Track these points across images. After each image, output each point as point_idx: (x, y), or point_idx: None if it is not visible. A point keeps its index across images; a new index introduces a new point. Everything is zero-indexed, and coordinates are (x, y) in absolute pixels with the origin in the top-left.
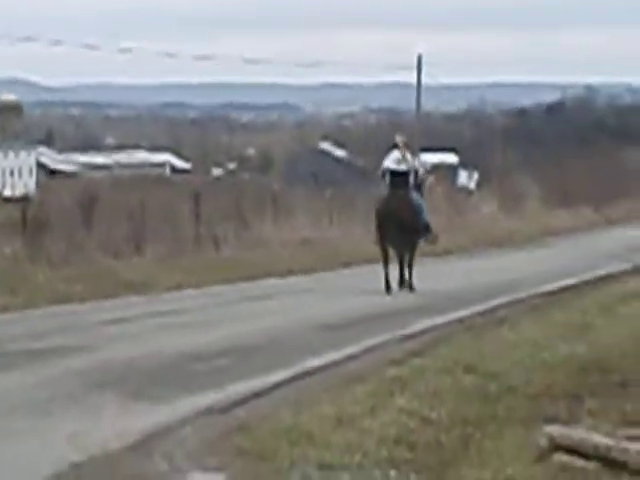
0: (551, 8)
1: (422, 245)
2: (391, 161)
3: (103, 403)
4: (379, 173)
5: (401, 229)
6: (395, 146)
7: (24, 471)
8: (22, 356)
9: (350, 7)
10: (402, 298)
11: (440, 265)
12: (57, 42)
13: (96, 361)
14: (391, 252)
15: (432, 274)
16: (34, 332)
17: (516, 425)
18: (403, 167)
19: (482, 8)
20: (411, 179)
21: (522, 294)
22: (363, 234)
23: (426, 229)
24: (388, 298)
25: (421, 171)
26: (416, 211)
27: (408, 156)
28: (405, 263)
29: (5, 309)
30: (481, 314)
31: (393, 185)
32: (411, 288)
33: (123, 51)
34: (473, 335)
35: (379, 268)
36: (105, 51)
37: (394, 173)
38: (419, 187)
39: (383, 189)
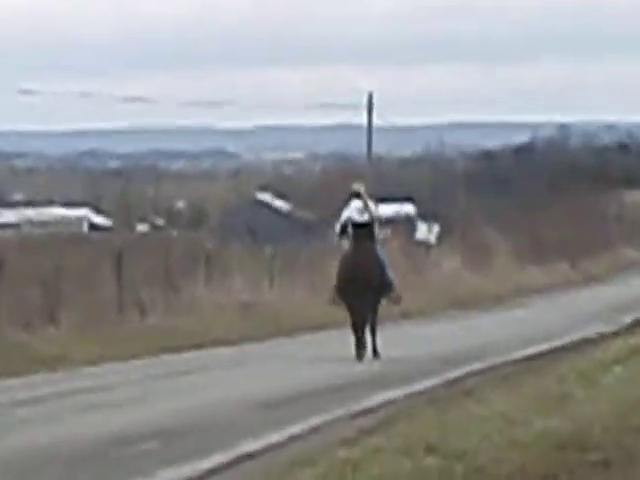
0: (513, 40)
1: (383, 306)
2: (353, 211)
3: None
4: (336, 227)
5: (367, 288)
6: (355, 195)
7: None
8: None
9: (276, 41)
10: (354, 368)
11: (397, 329)
12: None
13: (4, 449)
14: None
15: (389, 339)
16: None
17: None
18: (366, 218)
19: (435, 40)
20: (376, 230)
21: (491, 361)
22: (307, 296)
23: (390, 287)
24: (340, 369)
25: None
26: (382, 267)
27: (371, 205)
28: (367, 326)
29: None
30: (445, 385)
31: (357, 238)
32: (375, 354)
33: (28, 93)
34: (436, 409)
35: (326, 335)
36: (7, 93)
37: (357, 225)
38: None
39: (340, 244)
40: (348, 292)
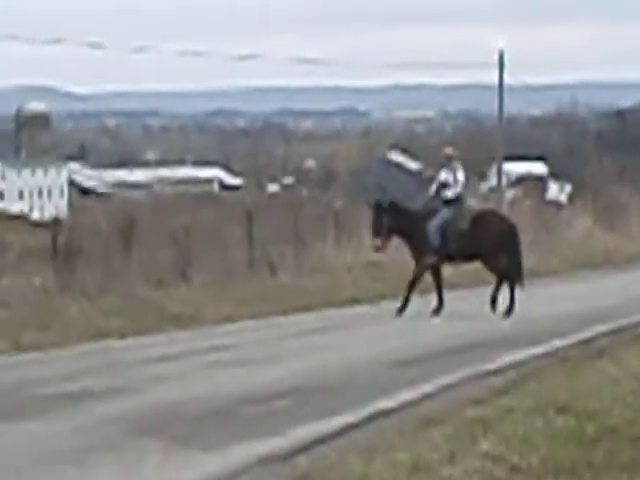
0: None
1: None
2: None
3: (145, 452)
4: (431, 189)
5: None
6: (447, 159)
7: None
8: (54, 400)
9: (417, 0)
10: (485, 328)
11: (527, 289)
12: (91, 45)
13: (137, 405)
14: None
15: (520, 299)
16: (67, 373)
17: (618, 472)
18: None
19: None
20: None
21: (624, 321)
22: None
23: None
24: (468, 327)
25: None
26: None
27: (459, 171)
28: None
29: (35, 347)
30: (576, 345)
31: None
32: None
33: (163, 53)
34: (567, 370)
35: (456, 295)
36: (144, 54)
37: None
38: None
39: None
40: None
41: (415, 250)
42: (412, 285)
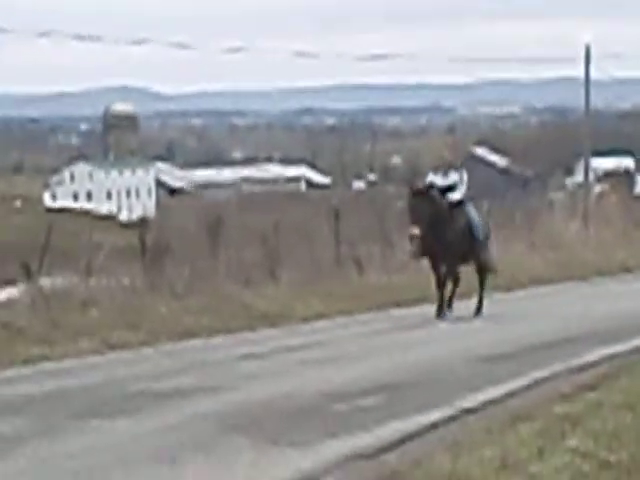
0: None
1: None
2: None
3: (236, 450)
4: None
5: None
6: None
7: None
8: (144, 398)
9: None
10: (573, 324)
11: (616, 284)
12: (177, 45)
13: (228, 403)
14: None
15: (606, 295)
16: (157, 371)
17: None
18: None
19: None
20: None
21: None
22: (526, 251)
23: None
24: (559, 324)
25: None
26: None
27: (452, 173)
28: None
29: (124, 346)
30: None
31: None
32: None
33: (238, 51)
34: None
35: (545, 289)
36: (231, 54)
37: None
38: None
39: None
40: None
41: (443, 244)
42: (445, 285)
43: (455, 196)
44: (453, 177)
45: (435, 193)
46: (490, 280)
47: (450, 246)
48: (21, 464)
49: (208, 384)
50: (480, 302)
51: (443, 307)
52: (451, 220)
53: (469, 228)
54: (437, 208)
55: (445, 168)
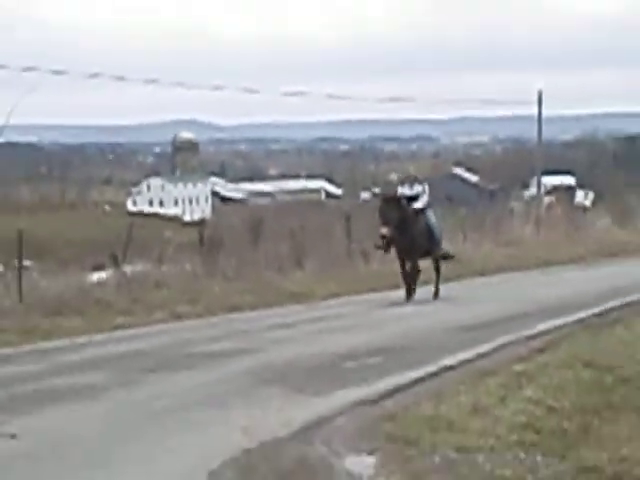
0: None
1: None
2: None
3: (270, 397)
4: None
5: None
6: (414, 177)
7: (203, 455)
8: (201, 357)
9: (471, 52)
10: (527, 302)
11: (561, 273)
12: (218, 87)
13: (263, 361)
14: None
15: (556, 282)
16: (211, 337)
17: (630, 412)
18: (413, 192)
19: (591, 49)
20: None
21: (635, 297)
22: (492, 247)
23: None
24: (518, 302)
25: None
26: None
27: (417, 184)
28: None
29: (187, 317)
30: (597, 315)
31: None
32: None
33: (283, 94)
34: (590, 334)
35: (506, 277)
36: (266, 94)
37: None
38: None
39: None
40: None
41: (408, 243)
42: (410, 276)
43: (418, 204)
44: (417, 188)
45: (403, 201)
46: (465, 268)
47: (414, 243)
48: (106, 407)
49: (248, 347)
50: (437, 287)
51: (410, 292)
52: (414, 223)
53: (429, 230)
54: (403, 213)
55: (411, 181)
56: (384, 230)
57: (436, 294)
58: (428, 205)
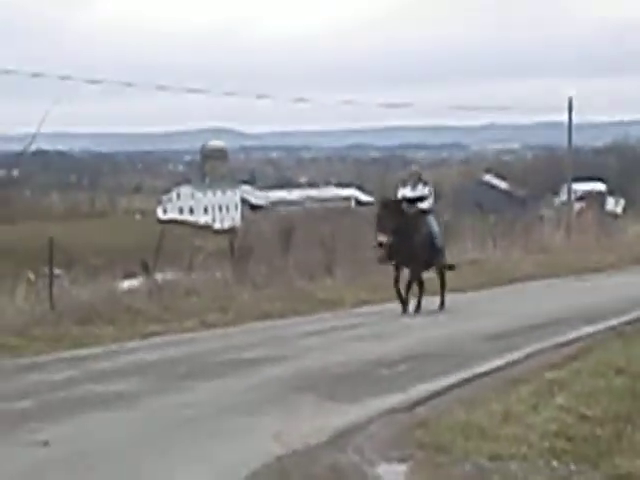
0: None
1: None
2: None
3: (302, 404)
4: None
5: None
6: (418, 176)
7: (235, 463)
8: (232, 364)
9: (504, 59)
10: (558, 309)
11: (592, 280)
12: (260, 96)
13: (295, 368)
14: None
15: (588, 288)
16: (242, 344)
17: None
18: (417, 194)
19: (622, 54)
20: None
21: None
22: (522, 255)
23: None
24: (551, 309)
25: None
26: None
27: (421, 185)
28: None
29: (217, 325)
30: (630, 323)
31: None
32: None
33: (302, 100)
34: (623, 341)
35: (538, 283)
36: (313, 102)
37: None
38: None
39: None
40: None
41: (408, 251)
42: (407, 286)
43: (424, 205)
44: (421, 189)
45: (404, 206)
46: (495, 275)
47: (414, 252)
48: (137, 414)
49: (279, 354)
50: (442, 298)
51: (405, 303)
52: (415, 230)
53: (430, 238)
54: (403, 219)
55: (414, 180)
56: (381, 238)
57: (442, 305)
58: (431, 210)
